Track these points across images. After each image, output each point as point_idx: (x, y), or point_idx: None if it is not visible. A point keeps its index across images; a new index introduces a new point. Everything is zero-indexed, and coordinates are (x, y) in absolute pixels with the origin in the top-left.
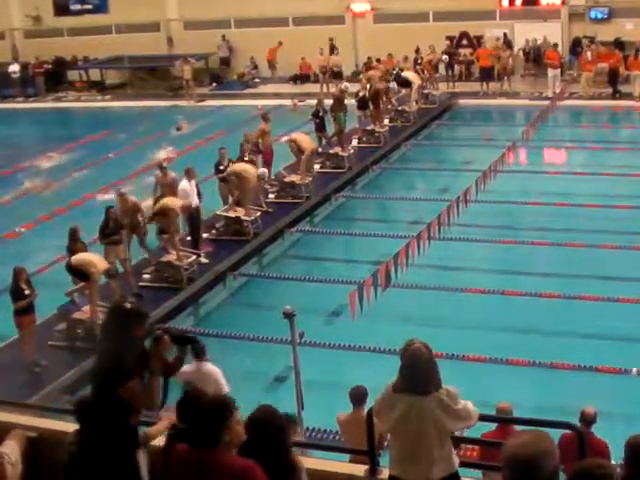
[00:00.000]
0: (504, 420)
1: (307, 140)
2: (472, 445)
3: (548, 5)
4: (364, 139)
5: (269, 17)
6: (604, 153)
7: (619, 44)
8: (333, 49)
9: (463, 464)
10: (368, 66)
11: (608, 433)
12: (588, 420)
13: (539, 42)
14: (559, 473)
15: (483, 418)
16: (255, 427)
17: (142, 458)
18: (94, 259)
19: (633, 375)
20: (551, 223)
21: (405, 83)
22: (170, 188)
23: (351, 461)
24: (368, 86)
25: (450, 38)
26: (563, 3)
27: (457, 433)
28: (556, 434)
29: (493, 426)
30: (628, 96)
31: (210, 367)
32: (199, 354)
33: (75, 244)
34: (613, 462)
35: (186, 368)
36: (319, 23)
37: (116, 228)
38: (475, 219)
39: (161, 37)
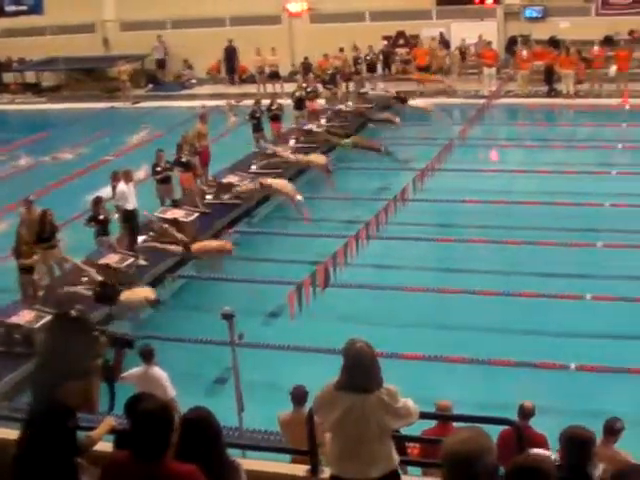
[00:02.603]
0: (444, 417)
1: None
2: (413, 443)
3: (484, 4)
4: (302, 139)
5: (206, 18)
6: (541, 151)
7: (554, 42)
8: (233, 52)
9: (403, 462)
10: (305, 66)
11: (547, 427)
12: (526, 413)
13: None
14: (498, 469)
15: (423, 415)
16: (192, 428)
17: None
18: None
19: (571, 370)
20: (489, 221)
21: (333, 81)
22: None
23: (292, 461)
24: (304, 85)
25: (387, 37)
26: (498, 2)
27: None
28: (497, 430)
29: (433, 423)
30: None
31: (157, 371)
32: (147, 358)
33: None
34: (552, 455)
35: (133, 371)
36: (256, 23)
37: (52, 232)
38: (414, 218)
39: (97, 38)
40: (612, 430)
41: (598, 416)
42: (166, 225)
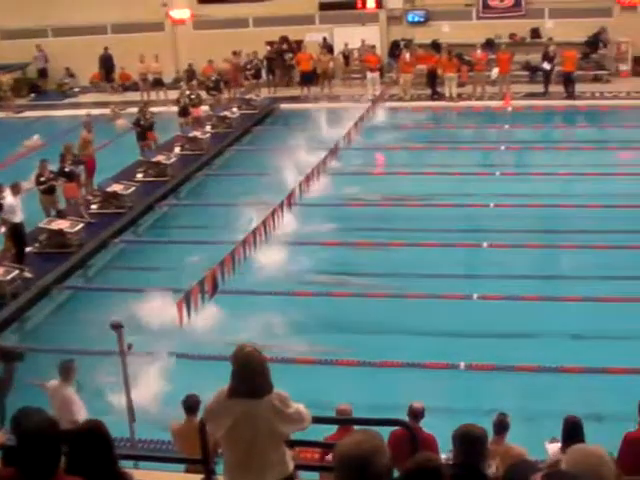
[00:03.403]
0: (336, 421)
1: None
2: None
3: (366, 9)
4: (187, 146)
5: (87, 25)
6: (426, 153)
7: (436, 46)
8: (109, 59)
9: (299, 467)
10: (189, 72)
11: (439, 427)
12: (416, 415)
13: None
14: (392, 470)
15: (316, 420)
16: (81, 441)
17: None
18: None
19: (461, 369)
20: (375, 223)
21: (216, 88)
22: None
23: (186, 471)
24: (188, 92)
25: (270, 43)
26: (380, 7)
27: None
28: (388, 431)
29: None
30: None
31: (68, 392)
32: (62, 374)
33: None
34: (443, 455)
35: (50, 383)
36: (138, 30)
37: None
38: (302, 222)
39: None
40: (502, 426)
41: (489, 413)
42: None
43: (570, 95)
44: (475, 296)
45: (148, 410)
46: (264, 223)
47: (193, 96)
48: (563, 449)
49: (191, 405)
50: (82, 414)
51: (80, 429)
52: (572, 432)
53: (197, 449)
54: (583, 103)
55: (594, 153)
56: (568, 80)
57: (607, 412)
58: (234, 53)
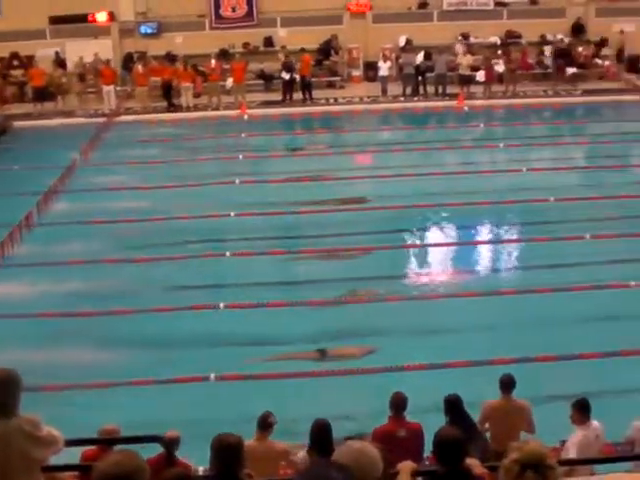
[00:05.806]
0: (95, 441)
1: None
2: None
3: (98, 22)
4: None
5: None
6: (164, 166)
7: (170, 57)
8: None
9: None
10: None
11: (198, 437)
12: (172, 444)
13: None
14: None
15: (69, 443)
16: None
17: None
18: None
19: (211, 381)
20: (117, 240)
21: None
22: None
23: None
24: None
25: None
26: (112, 20)
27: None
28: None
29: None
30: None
31: None
32: None
33: None
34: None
35: None
36: None
37: None
38: (41, 243)
39: None
40: (264, 423)
41: (246, 421)
42: None
43: (306, 99)
44: (222, 305)
45: None
46: (2, 245)
47: None
48: (310, 453)
49: None
50: None
51: None
52: (318, 436)
53: None
54: (318, 109)
55: (332, 158)
56: (305, 84)
57: (359, 410)
58: None
